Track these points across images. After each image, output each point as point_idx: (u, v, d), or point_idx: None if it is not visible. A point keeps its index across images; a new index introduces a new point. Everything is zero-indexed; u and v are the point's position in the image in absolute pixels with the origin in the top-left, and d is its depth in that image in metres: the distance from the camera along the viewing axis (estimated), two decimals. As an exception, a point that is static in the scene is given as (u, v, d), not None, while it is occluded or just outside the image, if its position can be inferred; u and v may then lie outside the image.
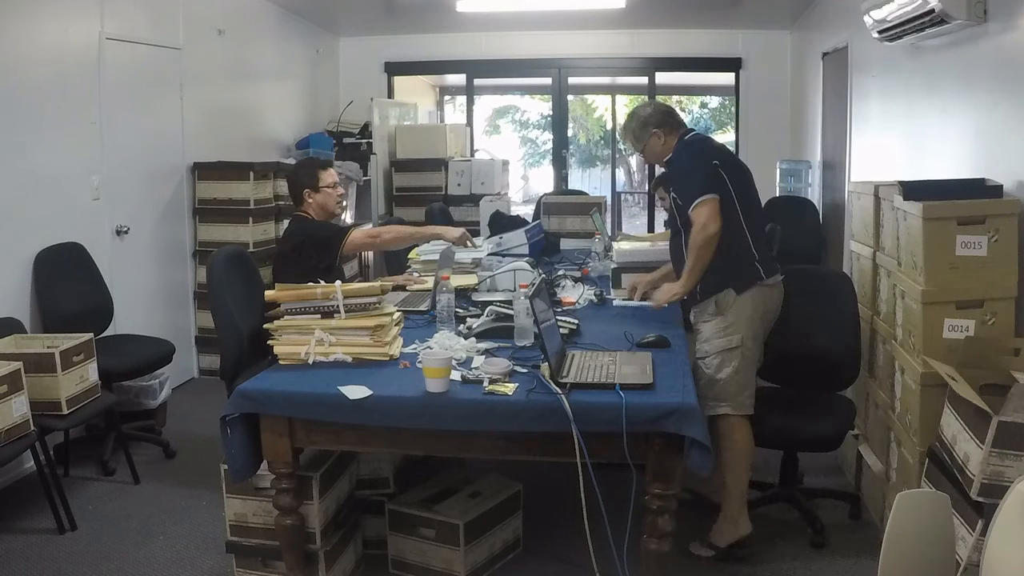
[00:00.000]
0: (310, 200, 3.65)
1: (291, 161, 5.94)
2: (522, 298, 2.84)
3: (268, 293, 2.76)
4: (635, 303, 3.50)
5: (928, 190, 2.88)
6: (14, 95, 3.88)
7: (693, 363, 2.97)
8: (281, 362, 2.68)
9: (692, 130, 3.28)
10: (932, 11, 3.14)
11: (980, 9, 3.04)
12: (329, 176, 3.69)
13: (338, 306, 2.67)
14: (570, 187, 8.52)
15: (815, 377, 3.44)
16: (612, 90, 11.87)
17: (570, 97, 9.22)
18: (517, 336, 2.89)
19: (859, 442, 3.61)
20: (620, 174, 13.80)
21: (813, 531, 3.22)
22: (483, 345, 2.86)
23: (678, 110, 3.44)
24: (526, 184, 14.05)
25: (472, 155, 7.97)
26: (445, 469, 3.25)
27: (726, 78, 8.15)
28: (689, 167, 3.14)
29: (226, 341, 3.25)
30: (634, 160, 13.89)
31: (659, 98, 7.75)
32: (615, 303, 3.60)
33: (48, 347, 3.44)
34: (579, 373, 2.46)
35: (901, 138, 4.22)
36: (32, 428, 3.20)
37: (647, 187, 8.27)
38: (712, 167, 3.05)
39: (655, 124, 3.23)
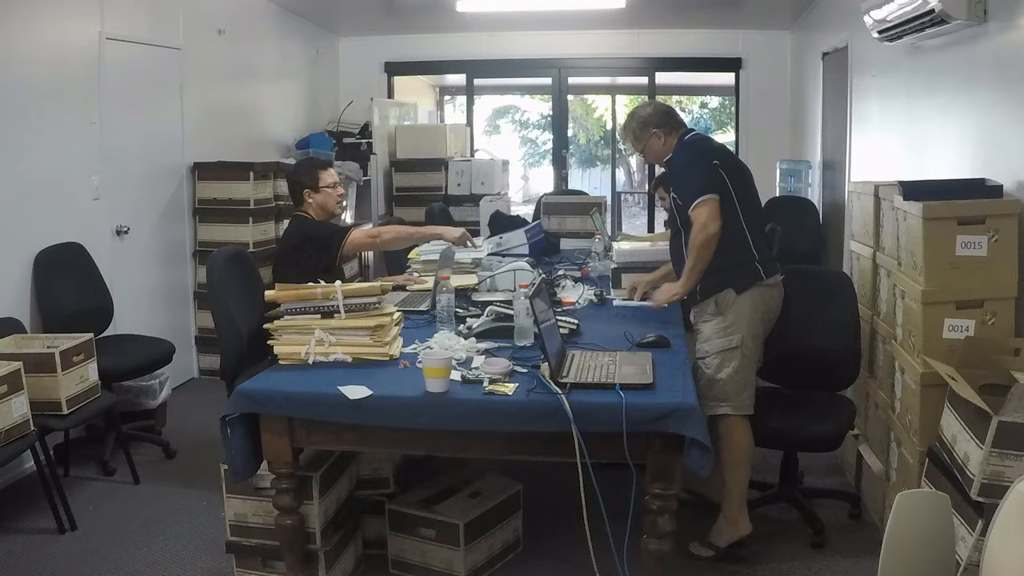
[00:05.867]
0: (310, 200, 3.65)
1: (291, 161, 5.94)
2: (522, 298, 2.84)
3: (268, 293, 2.76)
4: (635, 303, 3.50)
5: (928, 190, 2.88)
6: (14, 95, 3.88)
7: (693, 363, 2.97)
8: (281, 362, 2.68)
9: (692, 130, 3.28)
10: (932, 11, 3.14)
11: (980, 9, 3.03)
12: (329, 176, 3.69)
13: (338, 306, 2.67)
14: (570, 187, 8.52)
15: (815, 377, 3.44)
16: (612, 90, 11.87)
17: (570, 97, 9.22)
18: (517, 336, 2.89)
19: (859, 442, 3.61)
20: (620, 174, 13.81)
21: (813, 531, 3.23)
22: (483, 345, 2.85)
23: (678, 110, 3.44)
24: (526, 184, 14.05)
25: (472, 155, 7.97)
26: (445, 469, 3.25)
27: (726, 78, 8.15)
28: (689, 167, 3.14)
29: (226, 341, 3.25)
30: (634, 160, 13.90)
31: (659, 98, 7.75)
32: (615, 303, 3.60)
33: (48, 347, 3.44)
34: (579, 373, 2.46)
35: (901, 138, 4.22)
36: (32, 428, 3.20)
37: (647, 187, 8.28)
38: (712, 167, 3.05)
39: (655, 124, 3.23)
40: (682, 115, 3.50)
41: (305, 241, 3.55)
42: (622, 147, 11.93)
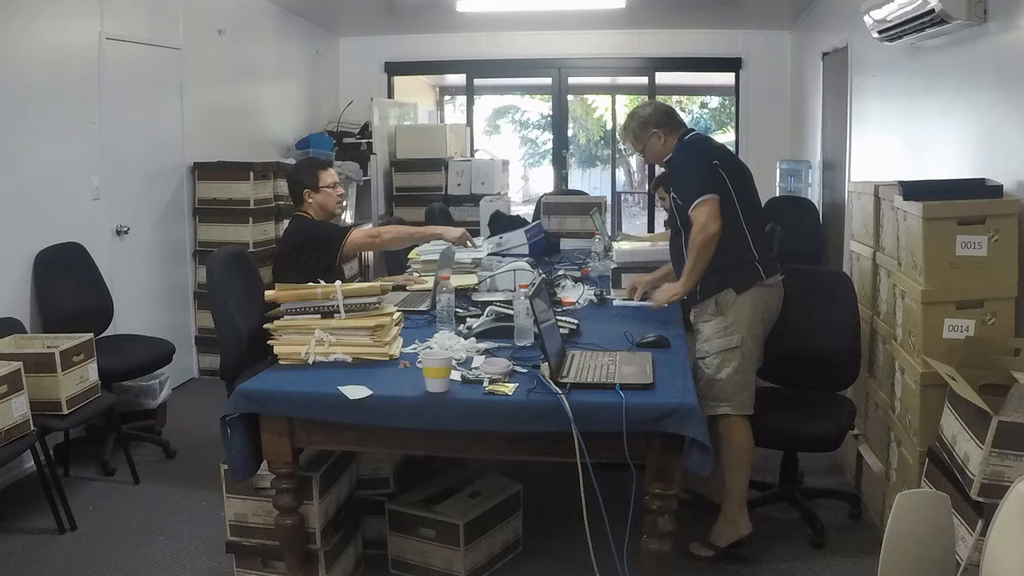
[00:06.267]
0: (310, 200, 3.64)
1: (291, 161, 5.94)
2: (522, 298, 2.84)
3: (268, 293, 2.76)
4: (635, 303, 3.50)
5: (928, 190, 2.88)
6: (14, 95, 3.88)
7: (693, 363, 2.97)
8: (281, 362, 2.68)
9: (692, 130, 3.29)
10: (932, 11, 3.14)
11: (980, 9, 3.03)
12: (329, 176, 3.69)
13: (338, 306, 2.67)
14: (570, 187, 8.52)
15: (815, 377, 3.44)
16: (612, 90, 11.86)
17: (570, 97, 9.22)
18: (517, 336, 2.89)
19: (859, 442, 3.61)
20: (620, 174, 13.80)
21: (813, 531, 3.22)
22: (483, 345, 2.85)
23: (678, 110, 3.44)
24: (526, 184, 14.05)
25: (472, 155, 7.97)
26: (445, 469, 3.25)
27: (726, 78, 8.15)
28: (688, 167, 3.14)
29: (226, 341, 3.25)
30: (634, 160, 13.90)
31: (659, 98, 7.75)
32: (615, 303, 3.60)
33: (48, 347, 3.44)
34: (579, 373, 2.46)
35: (901, 138, 4.22)
36: (32, 428, 3.20)
37: (647, 187, 8.27)
38: (711, 167, 3.05)
39: (655, 124, 3.23)
40: (682, 115, 3.51)
41: (305, 241, 3.55)
42: (622, 147, 11.93)
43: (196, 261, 5.37)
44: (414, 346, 2.85)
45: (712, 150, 3.18)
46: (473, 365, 2.62)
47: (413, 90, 8.98)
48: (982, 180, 2.92)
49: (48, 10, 4.09)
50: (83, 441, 4.15)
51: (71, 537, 3.30)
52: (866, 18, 4.03)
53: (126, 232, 4.72)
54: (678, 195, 3.12)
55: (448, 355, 2.55)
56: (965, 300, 2.72)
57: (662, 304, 3.21)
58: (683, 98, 12.85)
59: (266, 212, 5.44)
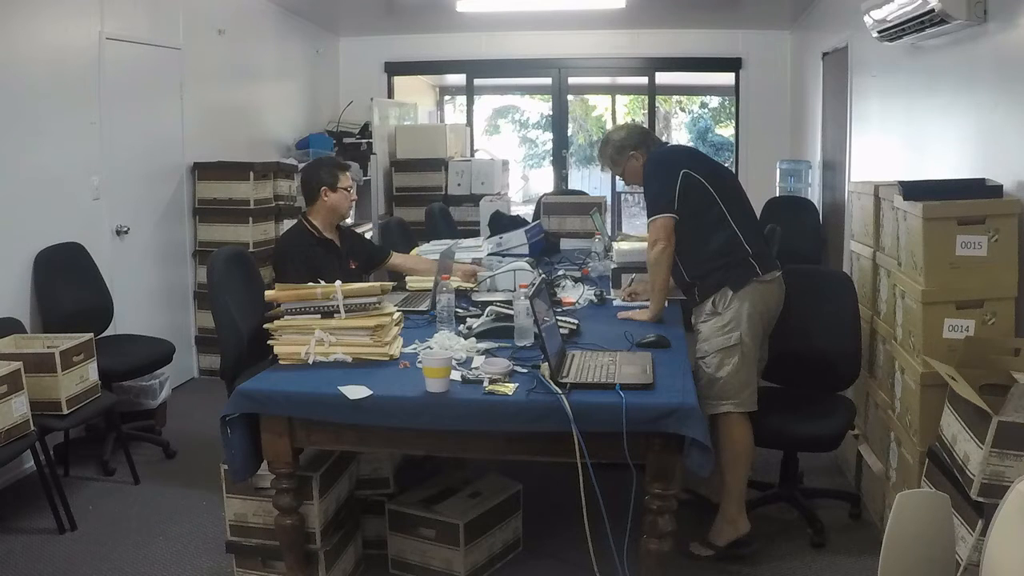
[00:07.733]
0: (325, 199, 3.60)
1: (291, 161, 5.95)
2: (522, 298, 2.84)
3: (268, 293, 2.76)
4: (636, 304, 3.49)
5: (928, 190, 2.88)
6: (14, 95, 3.88)
7: (694, 364, 2.97)
8: (281, 362, 2.68)
9: (665, 143, 3.31)
10: (932, 11, 3.14)
11: (980, 9, 3.04)
12: (347, 179, 3.66)
13: (338, 306, 2.67)
14: (570, 187, 8.52)
15: (815, 377, 3.44)
16: (612, 90, 11.88)
17: (570, 97, 9.22)
18: (517, 336, 2.89)
19: (859, 442, 3.61)
20: (620, 174, 13.75)
21: (813, 531, 3.22)
22: (483, 345, 2.86)
23: (678, 110, 3.46)
24: (526, 184, 14.05)
25: (472, 155, 7.97)
26: (445, 469, 3.25)
27: (726, 78, 8.15)
28: (649, 184, 3.20)
29: (226, 341, 3.24)
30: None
31: (659, 98, 7.74)
32: (615, 303, 3.60)
33: (48, 347, 3.44)
34: (579, 373, 2.46)
35: (901, 138, 4.22)
36: (32, 428, 3.20)
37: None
38: (673, 179, 3.07)
39: (632, 146, 3.30)
40: (682, 115, 3.54)
41: (298, 259, 3.49)
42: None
43: (196, 261, 5.37)
44: (414, 346, 2.85)
45: (682, 158, 3.21)
46: (473, 365, 2.62)
47: (413, 90, 8.98)
48: (982, 180, 2.92)
49: (48, 10, 4.09)
50: (83, 441, 4.15)
51: (71, 537, 3.30)
52: (866, 18, 4.03)
53: (126, 232, 4.72)
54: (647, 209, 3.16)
55: (448, 355, 2.55)
56: (965, 300, 2.72)
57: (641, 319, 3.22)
58: (683, 98, 12.84)
59: (266, 212, 5.43)
